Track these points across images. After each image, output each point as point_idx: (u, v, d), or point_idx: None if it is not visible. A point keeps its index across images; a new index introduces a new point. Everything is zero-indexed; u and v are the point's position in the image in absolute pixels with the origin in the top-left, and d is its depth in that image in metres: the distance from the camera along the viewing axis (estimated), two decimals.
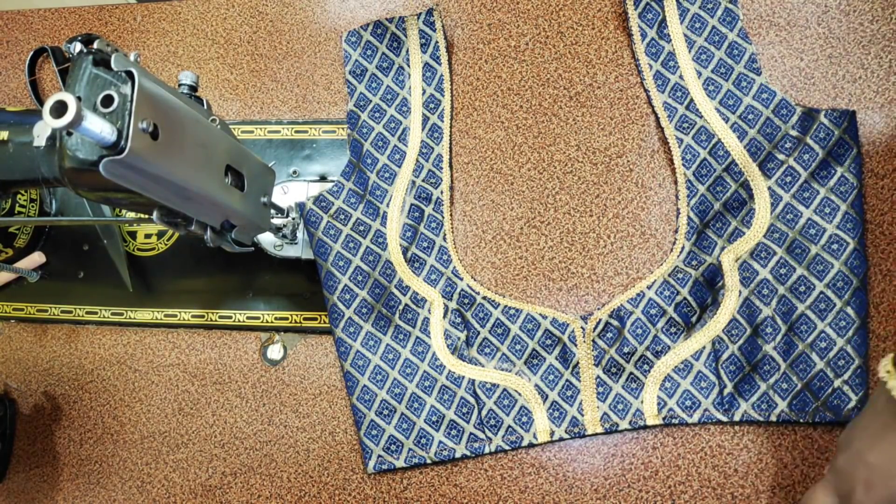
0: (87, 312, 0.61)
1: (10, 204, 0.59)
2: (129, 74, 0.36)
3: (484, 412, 0.51)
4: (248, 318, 0.58)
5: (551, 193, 0.56)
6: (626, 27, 0.57)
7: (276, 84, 0.63)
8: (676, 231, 0.53)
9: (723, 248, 0.51)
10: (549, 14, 0.60)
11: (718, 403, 0.49)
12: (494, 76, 0.59)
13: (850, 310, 0.48)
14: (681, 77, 0.54)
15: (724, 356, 0.49)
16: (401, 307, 0.54)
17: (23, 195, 0.60)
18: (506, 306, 0.53)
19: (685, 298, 0.50)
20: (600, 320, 0.51)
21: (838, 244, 0.49)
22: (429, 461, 0.52)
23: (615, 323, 0.51)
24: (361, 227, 0.55)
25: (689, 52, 0.54)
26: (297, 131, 0.61)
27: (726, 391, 0.49)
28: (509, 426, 0.51)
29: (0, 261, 0.61)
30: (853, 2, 0.55)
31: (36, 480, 0.59)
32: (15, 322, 0.62)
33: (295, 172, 0.60)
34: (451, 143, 0.58)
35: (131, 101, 0.35)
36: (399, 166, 0.56)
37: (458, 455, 0.51)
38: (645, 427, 0.50)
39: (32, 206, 0.61)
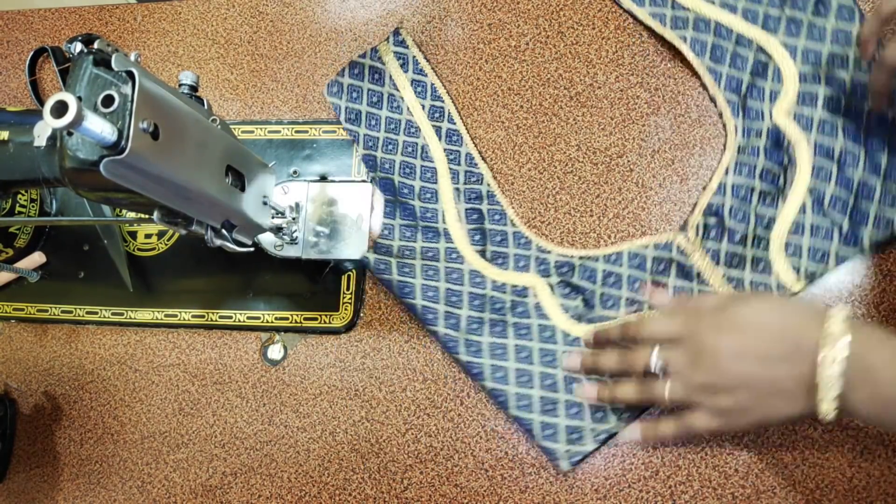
0: (88, 312, 0.61)
1: (11, 204, 0.59)
2: (130, 74, 0.36)
3: None
4: (248, 318, 0.58)
5: (551, 193, 0.56)
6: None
7: (276, 84, 0.63)
8: (721, 115, 0.53)
9: (770, 112, 0.52)
10: (549, 14, 0.60)
11: (845, 241, 0.49)
12: (494, 76, 0.59)
13: None
14: None
15: (826, 200, 0.49)
16: (508, 305, 0.53)
17: (23, 195, 0.60)
18: (605, 255, 0.52)
19: (764, 167, 0.51)
20: (698, 224, 0.51)
21: (858, 66, 0.50)
22: (616, 430, 0.49)
23: (712, 219, 0.51)
24: (430, 253, 0.55)
25: None
26: (297, 131, 0.61)
27: (845, 228, 0.49)
28: None
29: (0, 261, 0.61)
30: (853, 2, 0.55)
31: (36, 480, 0.59)
32: (15, 322, 0.62)
33: (295, 172, 0.60)
34: (472, 138, 0.58)
35: (132, 101, 0.35)
36: (435, 182, 0.56)
37: (636, 412, 0.49)
38: (794, 294, 0.49)
39: (33, 206, 0.61)
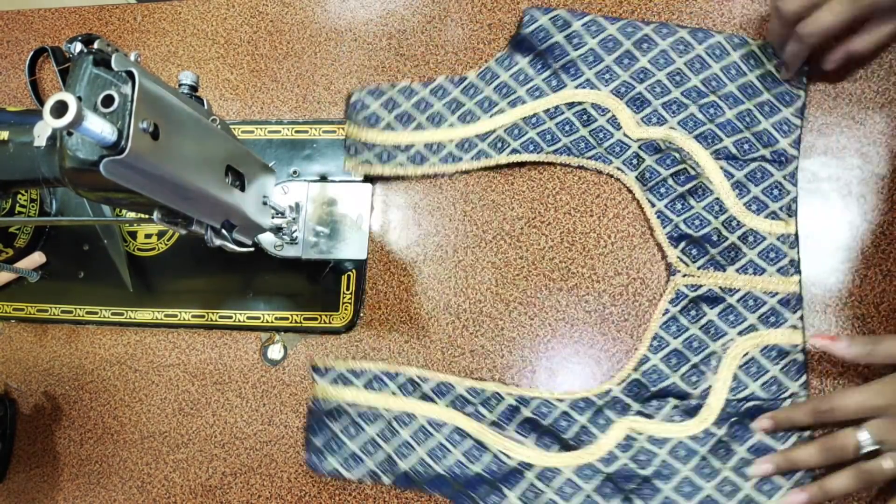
0: (88, 312, 0.61)
1: (11, 204, 0.59)
2: (130, 74, 0.36)
3: (762, 394, 0.48)
4: (248, 318, 0.58)
5: (551, 193, 0.56)
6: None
7: (276, 84, 0.63)
8: (620, 182, 0.55)
9: (628, 137, 0.54)
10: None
11: (777, 165, 0.51)
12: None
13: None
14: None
15: (731, 148, 0.52)
16: (632, 465, 0.48)
17: (23, 195, 0.60)
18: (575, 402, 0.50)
19: (669, 173, 0.52)
20: (679, 256, 0.51)
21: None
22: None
23: (683, 243, 0.52)
24: (541, 501, 0.49)
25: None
26: (297, 131, 0.61)
27: (767, 155, 0.51)
28: (781, 369, 0.48)
29: (0, 261, 0.61)
30: None
31: (36, 480, 0.59)
32: (15, 322, 0.62)
33: (295, 172, 0.60)
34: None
35: (132, 101, 0.35)
36: (466, 437, 0.51)
37: (805, 435, 0.47)
38: (797, 238, 0.50)
39: (32, 206, 0.61)
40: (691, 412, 0.49)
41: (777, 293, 0.50)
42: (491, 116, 0.57)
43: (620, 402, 0.50)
